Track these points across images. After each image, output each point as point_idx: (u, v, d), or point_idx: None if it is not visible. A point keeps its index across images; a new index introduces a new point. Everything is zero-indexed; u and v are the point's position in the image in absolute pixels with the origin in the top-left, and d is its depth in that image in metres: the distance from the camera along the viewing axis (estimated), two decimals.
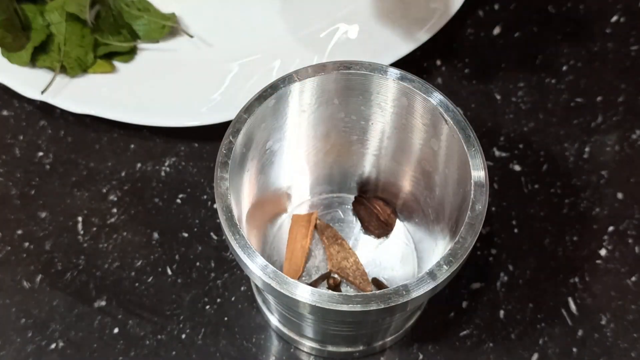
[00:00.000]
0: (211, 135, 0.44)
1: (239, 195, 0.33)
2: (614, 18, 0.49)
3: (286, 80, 0.32)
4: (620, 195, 0.43)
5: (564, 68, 0.48)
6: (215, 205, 0.43)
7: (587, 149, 0.45)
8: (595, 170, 0.44)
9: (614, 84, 0.47)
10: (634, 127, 0.45)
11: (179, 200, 0.43)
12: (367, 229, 0.40)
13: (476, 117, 0.46)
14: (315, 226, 0.40)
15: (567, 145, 0.45)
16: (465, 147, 0.31)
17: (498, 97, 0.47)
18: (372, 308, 0.28)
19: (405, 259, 0.40)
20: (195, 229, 0.42)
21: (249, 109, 0.32)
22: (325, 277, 0.39)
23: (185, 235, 0.42)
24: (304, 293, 0.28)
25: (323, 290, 0.28)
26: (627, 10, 0.50)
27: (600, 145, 0.45)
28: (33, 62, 0.45)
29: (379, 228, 0.40)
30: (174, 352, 0.39)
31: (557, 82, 0.47)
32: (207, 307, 0.40)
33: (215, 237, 0.42)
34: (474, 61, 0.48)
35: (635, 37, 0.49)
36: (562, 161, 0.44)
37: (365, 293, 0.28)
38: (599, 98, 0.46)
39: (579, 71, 0.47)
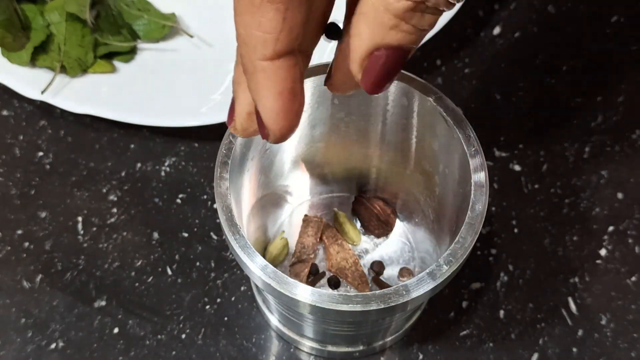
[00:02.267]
0: (211, 135, 0.44)
1: (239, 195, 0.33)
2: (614, 18, 0.49)
3: None
4: (620, 195, 0.43)
5: (564, 68, 0.48)
6: (215, 205, 0.43)
7: (587, 149, 0.45)
8: (595, 170, 0.44)
9: (614, 84, 0.47)
10: (634, 127, 0.45)
11: (179, 200, 0.43)
12: (367, 229, 0.40)
13: (476, 117, 0.45)
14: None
15: (567, 145, 0.45)
16: (465, 147, 0.31)
17: (498, 97, 0.47)
18: (372, 308, 0.28)
19: (405, 259, 0.40)
20: (195, 229, 0.42)
21: None
22: (321, 277, 0.39)
23: (185, 235, 0.42)
24: (304, 293, 0.28)
25: (323, 290, 0.28)
26: (627, 10, 0.50)
27: (600, 145, 0.45)
28: (33, 62, 0.45)
29: (379, 228, 0.40)
30: (174, 352, 0.39)
31: (557, 82, 0.47)
32: (207, 307, 0.40)
33: (215, 237, 0.42)
34: (474, 61, 0.48)
35: (635, 37, 0.49)
36: (562, 161, 0.44)
37: (365, 293, 0.28)
38: (599, 98, 0.46)
39: (579, 71, 0.47)
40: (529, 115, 0.46)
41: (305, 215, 0.40)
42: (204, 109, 0.44)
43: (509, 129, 0.45)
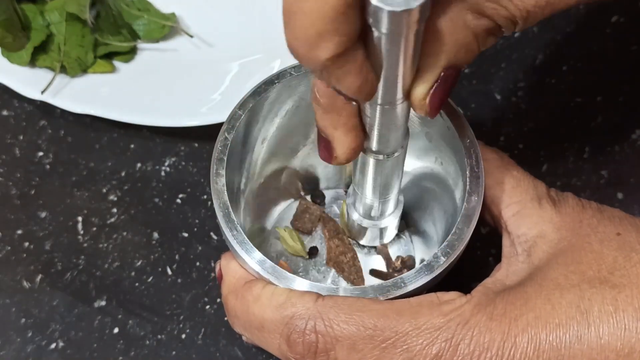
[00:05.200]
0: (211, 135, 0.43)
1: (236, 192, 0.33)
2: (614, 18, 0.49)
3: (281, 76, 0.32)
4: (620, 196, 0.43)
5: (564, 68, 0.48)
6: None
7: (587, 149, 0.45)
8: (595, 170, 0.44)
9: (614, 84, 0.47)
10: (634, 127, 0.45)
11: (179, 200, 0.43)
12: None
13: (476, 117, 0.46)
14: (320, 218, 0.40)
15: (567, 145, 0.45)
16: (460, 140, 0.31)
17: (498, 97, 0.47)
18: None
19: (402, 252, 0.40)
20: (195, 229, 0.42)
21: (243, 105, 0.32)
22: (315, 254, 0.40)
23: (185, 235, 0.42)
24: (301, 287, 0.28)
25: (321, 284, 0.28)
26: (627, 10, 0.50)
27: (600, 145, 0.45)
28: (33, 62, 0.45)
29: None
30: (174, 352, 0.39)
31: (557, 82, 0.47)
32: (207, 307, 0.40)
33: (215, 237, 0.42)
34: (474, 61, 0.48)
35: (635, 37, 0.49)
36: (562, 161, 0.44)
37: (363, 286, 0.28)
38: (599, 98, 0.46)
39: (579, 71, 0.47)
40: (529, 115, 0.46)
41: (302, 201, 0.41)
42: (204, 109, 0.44)
43: (509, 129, 0.45)
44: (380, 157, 0.29)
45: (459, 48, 0.24)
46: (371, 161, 0.29)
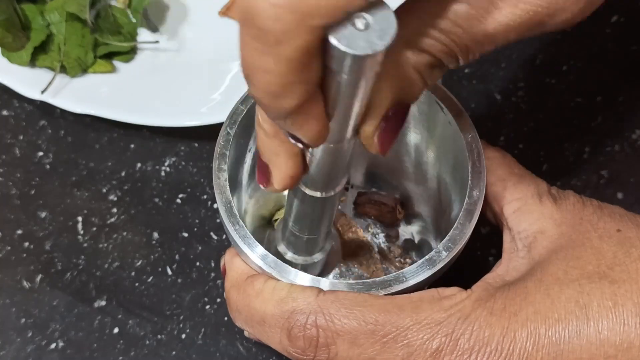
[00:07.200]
0: (211, 135, 0.43)
1: (238, 187, 0.33)
2: (614, 18, 0.49)
3: None
4: (620, 195, 0.43)
5: (564, 68, 0.48)
6: (215, 205, 0.43)
7: (587, 149, 0.45)
8: (595, 170, 0.44)
9: (614, 84, 0.47)
10: (634, 127, 0.45)
11: (179, 200, 0.43)
12: (379, 220, 0.40)
13: (476, 117, 0.45)
14: None
15: (567, 145, 0.45)
16: (461, 134, 0.31)
17: (498, 97, 0.47)
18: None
19: (405, 248, 0.40)
20: (195, 229, 0.42)
21: (246, 100, 0.32)
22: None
23: (185, 235, 0.42)
24: (304, 282, 0.28)
25: (323, 278, 0.28)
26: (627, 10, 0.50)
27: (600, 145, 0.45)
28: (33, 62, 0.45)
29: (389, 215, 0.40)
30: (174, 352, 0.39)
31: (557, 82, 0.47)
32: (207, 307, 0.40)
33: (215, 237, 0.42)
34: (474, 61, 0.48)
35: (635, 37, 0.49)
36: (562, 161, 0.44)
37: (365, 280, 0.28)
38: (599, 98, 0.46)
39: (579, 71, 0.47)
40: (529, 115, 0.46)
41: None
42: (204, 109, 0.44)
43: (509, 129, 0.45)
44: (318, 194, 0.28)
45: (403, 85, 0.24)
46: (306, 196, 0.28)
